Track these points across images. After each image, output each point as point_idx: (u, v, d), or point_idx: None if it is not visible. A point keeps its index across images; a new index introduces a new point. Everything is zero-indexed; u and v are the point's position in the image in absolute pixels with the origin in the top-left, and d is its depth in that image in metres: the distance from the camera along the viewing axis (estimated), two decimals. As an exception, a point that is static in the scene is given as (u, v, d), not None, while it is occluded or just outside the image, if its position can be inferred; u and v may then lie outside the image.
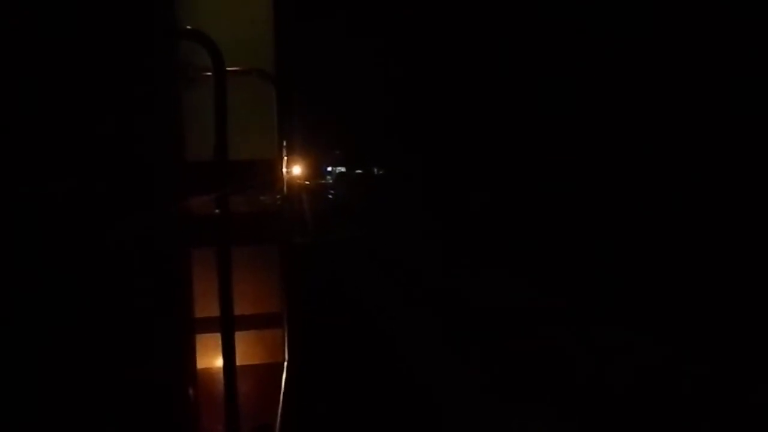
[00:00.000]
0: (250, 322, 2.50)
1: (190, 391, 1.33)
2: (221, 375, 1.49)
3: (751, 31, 11.51)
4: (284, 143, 2.75)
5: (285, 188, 2.80)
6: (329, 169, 44.52)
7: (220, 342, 1.49)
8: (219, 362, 1.50)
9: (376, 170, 36.79)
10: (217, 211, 1.51)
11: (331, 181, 41.10)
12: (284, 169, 2.79)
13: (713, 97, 12.47)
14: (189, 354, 1.40)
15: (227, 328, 1.49)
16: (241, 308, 1.64)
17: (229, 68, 1.53)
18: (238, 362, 1.51)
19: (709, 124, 12.45)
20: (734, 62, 12.05)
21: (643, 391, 4.25)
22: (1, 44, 0.66)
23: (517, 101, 19.28)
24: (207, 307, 1.57)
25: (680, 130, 13.16)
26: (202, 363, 1.62)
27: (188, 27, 1.56)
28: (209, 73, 1.51)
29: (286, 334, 2.65)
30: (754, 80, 11.51)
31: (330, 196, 29.39)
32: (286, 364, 2.60)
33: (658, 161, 13.46)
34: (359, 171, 39.82)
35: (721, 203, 10.87)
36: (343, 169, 43.37)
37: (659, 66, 13.84)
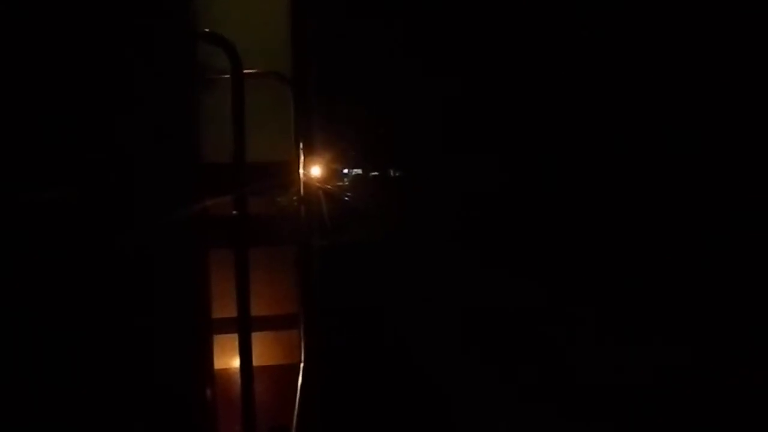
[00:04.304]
0: (266, 323, 2.51)
1: (207, 392, 1.33)
2: (238, 375, 1.49)
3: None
4: (301, 145, 2.75)
5: (302, 190, 2.80)
6: (345, 171, 44.64)
7: (237, 343, 1.49)
8: (236, 363, 1.51)
9: (392, 172, 36.78)
10: (234, 212, 1.52)
11: (347, 183, 41.20)
12: (301, 171, 2.80)
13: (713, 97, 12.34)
14: (206, 354, 1.40)
15: (244, 328, 1.49)
16: (257, 309, 1.64)
17: (246, 71, 1.54)
18: (254, 363, 1.51)
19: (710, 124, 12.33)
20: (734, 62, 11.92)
21: (646, 391, 4.23)
22: (22, 46, 0.67)
23: (530, 99, 19.15)
24: (224, 307, 1.58)
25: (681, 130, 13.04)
26: (219, 363, 1.63)
27: (206, 29, 1.57)
28: (227, 76, 1.52)
29: (302, 336, 2.65)
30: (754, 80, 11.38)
31: (346, 199, 29.44)
32: (302, 365, 2.60)
33: (659, 161, 13.35)
34: (375, 173, 39.85)
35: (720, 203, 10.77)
36: (359, 171, 43.46)
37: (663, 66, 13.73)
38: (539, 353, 5.20)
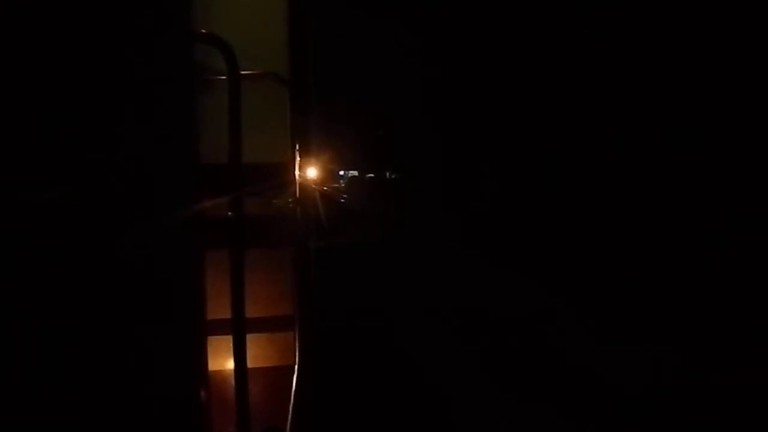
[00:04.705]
0: (261, 325, 2.50)
1: (201, 394, 1.33)
2: (232, 377, 1.49)
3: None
4: (297, 147, 2.75)
5: (298, 191, 2.80)
6: (341, 173, 44.66)
7: (231, 344, 1.49)
8: (230, 364, 1.50)
9: (388, 174, 36.80)
10: (230, 213, 1.51)
11: (343, 185, 41.22)
12: (297, 172, 2.79)
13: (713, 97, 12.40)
14: (200, 356, 1.40)
15: (239, 330, 1.49)
16: (252, 311, 1.64)
17: (243, 71, 1.54)
18: (249, 365, 1.51)
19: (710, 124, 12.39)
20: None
21: (645, 392, 4.25)
22: (21, 48, 0.66)
23: (530, 101, 19.17)
24: (219, 309, 1.57)
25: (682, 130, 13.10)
26: (213, 365, 1.62)
27: (203, 30, 1.56)
28: (224, 77, 1.52)
29: (297, 337, 2.64)
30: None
31: (342, 201, 29.40)
32: (297, 367, 2.59)
33: (660, 161, 13.40)
34: (371, 175, 39.88)
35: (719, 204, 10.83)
36: (355, 173, 43.49)
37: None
38: (539, 353, 5.21)
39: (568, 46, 17.19)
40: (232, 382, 1.49)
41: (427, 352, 5.41)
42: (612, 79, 15.38)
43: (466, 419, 3.96)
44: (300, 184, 2.83)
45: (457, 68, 24.49)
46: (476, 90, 23.03)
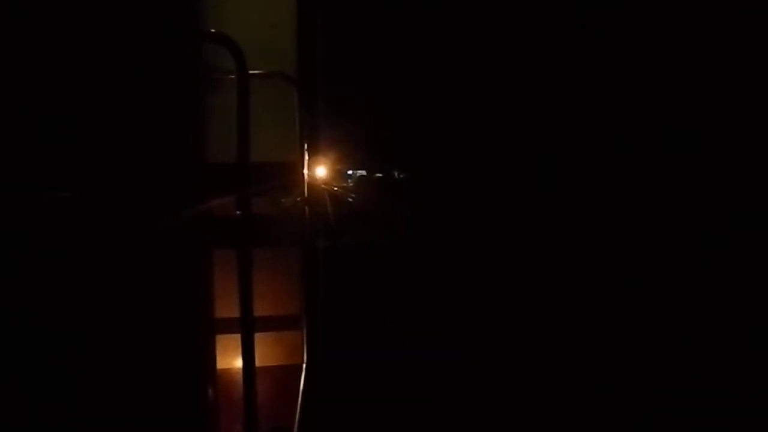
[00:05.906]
0: (269, 324, 2.51)
1: (210, 392, 1.34)
2: (240, 376, 1.49)
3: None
4: (305, 146, 2.76)
5: (306, 190, 2.80)
6: (350, 172, 44.76)
7: (239, 343, 1.49)
8: (238, 363, 1.51)
9: (396, 174, 36.80)
10: (238, 212, 1.52)
11: (351, 185, 41.30)
12: (305, 172, 2.80)
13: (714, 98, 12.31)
14: (209, 354, 1.41)
15: (247, 329, 1.49)
16: (260, 309, 1.64)
17: (252, 71, 1.54)
18: (257, 363, 1.51)
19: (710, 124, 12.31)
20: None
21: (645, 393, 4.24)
22: (30, 45, 0.67)
23: (534, 99, 19.11)
24: (227, 307, 1.58)
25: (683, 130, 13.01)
26: (221, 363, 1.63)
27: (212, 30, 1.57)
28: (232, 76, 1.52)
29: (305, 336, 2.65)
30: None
31: (350, 200, 29.39)
32: (304, 365, 2.60)
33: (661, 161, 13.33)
34: (379, 174, 39.93)
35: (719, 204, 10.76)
36: (363, 173, 43.58)
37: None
38: (541, 354, 5.20)
39: (572, 46, 17.13)
40: (240, 380, 1.49)
41: (432, 351, 5.40)
42: (614, 81, 15.33)
43: (468, 419, 3.96)
44: (308, 184, 2.83)
45: (464, 69, 24.45)
46: (482, 91, 22.99)
